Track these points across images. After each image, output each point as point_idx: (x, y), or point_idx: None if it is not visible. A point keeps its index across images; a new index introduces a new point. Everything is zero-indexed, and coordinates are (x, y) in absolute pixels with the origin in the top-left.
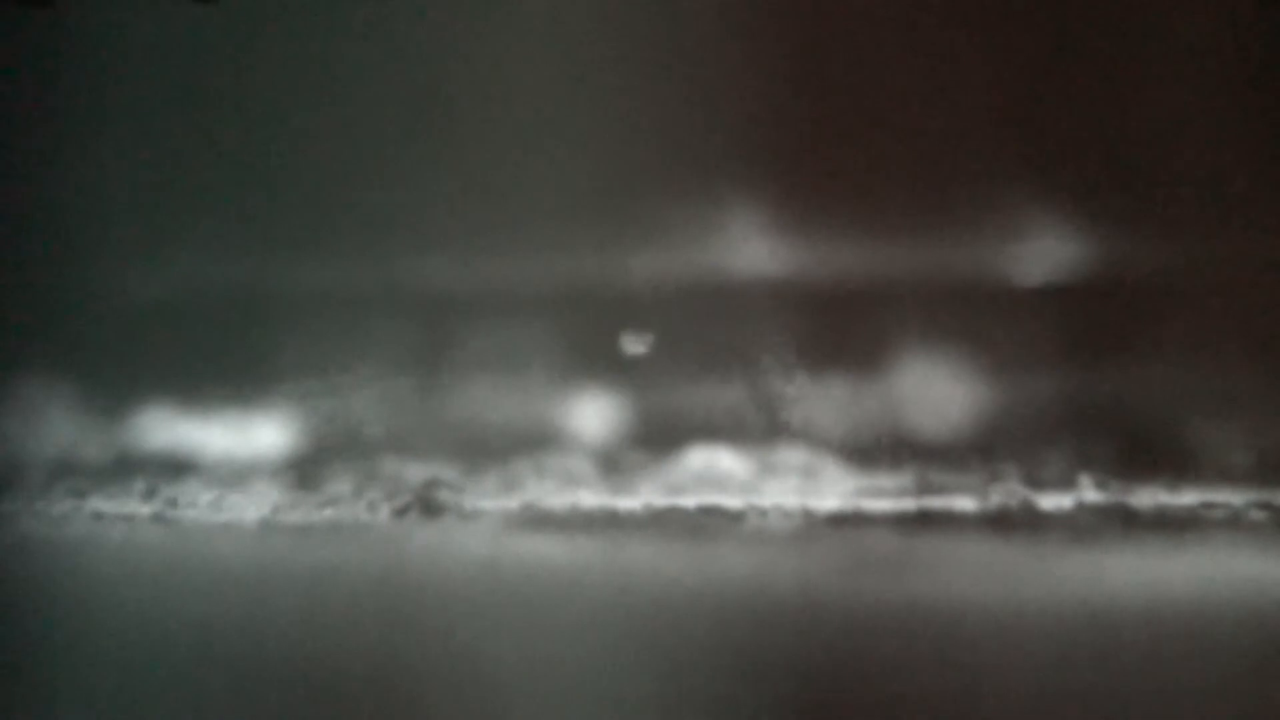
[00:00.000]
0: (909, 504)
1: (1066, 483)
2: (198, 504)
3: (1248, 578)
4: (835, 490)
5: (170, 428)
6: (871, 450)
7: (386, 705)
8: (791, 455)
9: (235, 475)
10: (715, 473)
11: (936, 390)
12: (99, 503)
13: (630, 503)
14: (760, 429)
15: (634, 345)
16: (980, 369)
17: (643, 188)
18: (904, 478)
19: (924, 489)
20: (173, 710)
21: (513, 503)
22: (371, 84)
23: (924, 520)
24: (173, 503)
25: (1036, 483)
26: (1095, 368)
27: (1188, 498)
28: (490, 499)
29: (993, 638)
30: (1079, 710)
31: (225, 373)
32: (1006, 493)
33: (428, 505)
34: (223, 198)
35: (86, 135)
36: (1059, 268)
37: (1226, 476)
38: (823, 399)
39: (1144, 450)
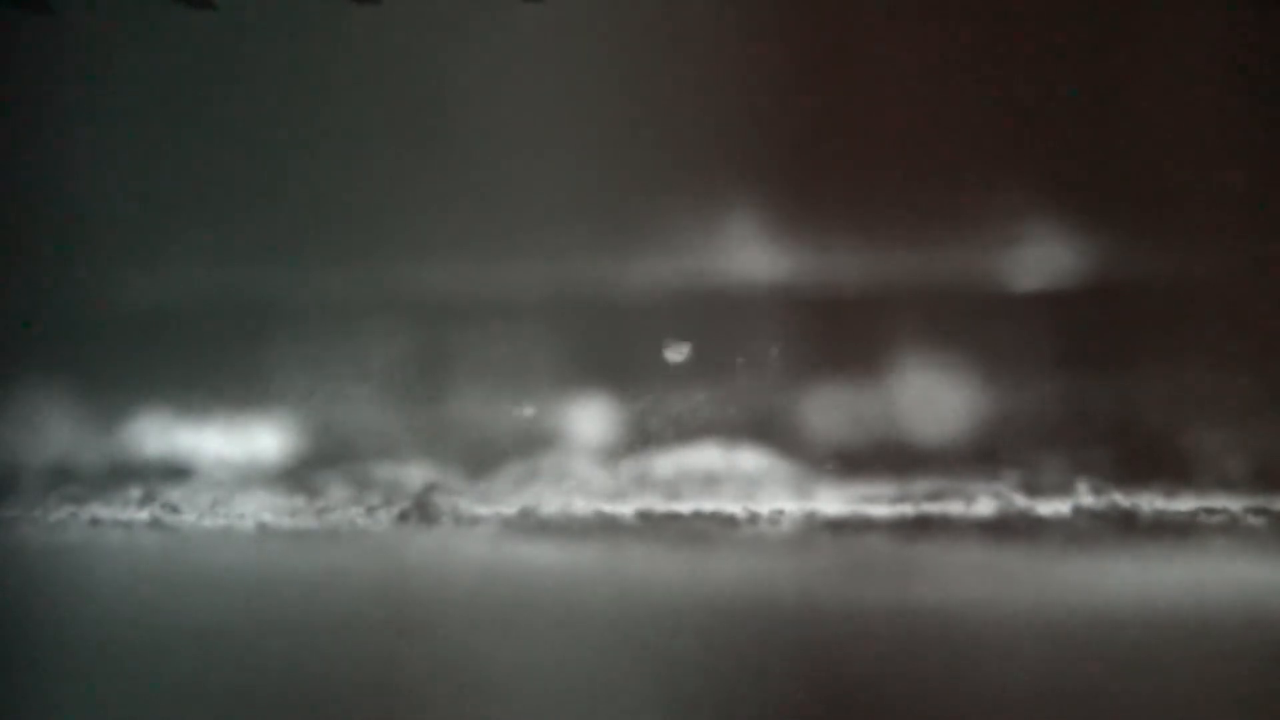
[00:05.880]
0: (907, 509)
1: (1064, 488)
2: (196, 510)
3: (1245, 583)
4: (833, 496)
5: (168, 433)
6: (870, 456)
7: (385, 711)
8: (790, 461)
9: (233, 481)
10: (713, 478)
11: (935, 396)
12: (96, 509)
13: (628, 508)
14: (758, 434)
15: (674, 355)
16: (979, 374)
17: (639, 193)
18: (902, 483)
19: (922, 494)
20: (171, 716)
21: (511, 508)
22: (368, 91)
23: (922, 526)
24: (171, 509)
25: (1034, 488)
26: (1093, 373)
27: (1185, 503)
28: (488, 504)
29: (991, 643)
30: (1077, 715)
31: (223, 378)
32: (1004, 498)
33: (426, 511)
34: (219, 204)
35: (83, 141)
36: (1057, 273)
37: (1224, 482)
38: (821, 404)
39: (1142, 456)
